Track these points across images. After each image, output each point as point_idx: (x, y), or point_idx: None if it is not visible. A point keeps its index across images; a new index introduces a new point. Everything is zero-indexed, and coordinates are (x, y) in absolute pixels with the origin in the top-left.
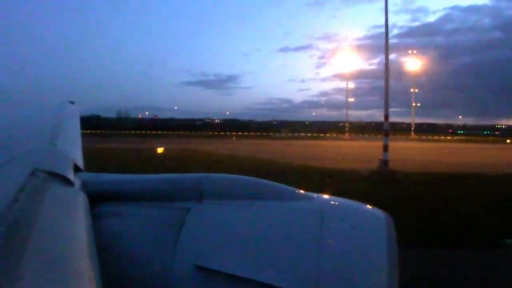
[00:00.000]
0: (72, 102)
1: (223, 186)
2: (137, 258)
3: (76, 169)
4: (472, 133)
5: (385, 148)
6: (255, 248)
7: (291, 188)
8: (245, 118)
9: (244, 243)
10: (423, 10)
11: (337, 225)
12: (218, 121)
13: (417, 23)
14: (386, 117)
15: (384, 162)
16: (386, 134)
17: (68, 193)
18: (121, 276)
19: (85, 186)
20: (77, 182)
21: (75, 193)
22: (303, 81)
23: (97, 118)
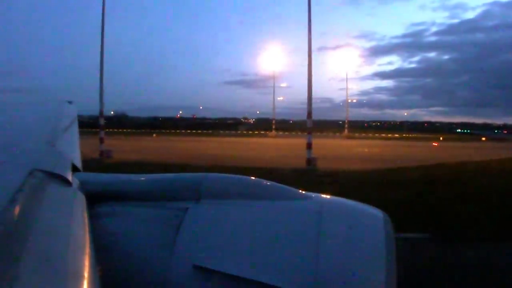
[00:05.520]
0: (70, 102)
1: (221, 185)
2: (135, 258)
3: (74, 169)
4: (476, 133)
5: (101, 140)
6: (253, 248)
7: (289, 188)
8: (285, 117)
9: (242, 242)
10: (461, 7)
11: (335, 224)
12: (253, 120)
13: (456, 20)
14: (101, 112)
15: (100, 152)
16: (101, 128)
17: (66, 193)
18: (119, 276)
19: (83, 186)
20: (75, 182)
21: (73, 193)
22: (342, 80)
23: (124, 116)
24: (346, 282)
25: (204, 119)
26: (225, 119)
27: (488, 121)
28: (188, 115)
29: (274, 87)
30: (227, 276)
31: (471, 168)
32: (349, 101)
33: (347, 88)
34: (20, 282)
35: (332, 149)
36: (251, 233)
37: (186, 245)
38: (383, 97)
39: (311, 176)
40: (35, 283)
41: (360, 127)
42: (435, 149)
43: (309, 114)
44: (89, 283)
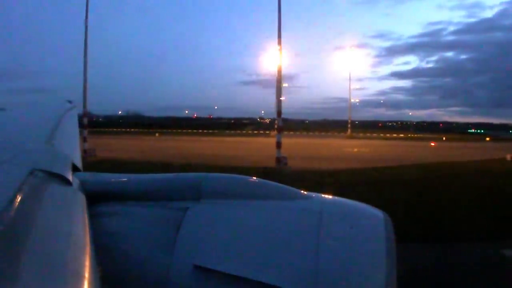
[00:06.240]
0: (70, 102)
1: (221, 185)
2: (135, 257)
3: (74, 168)
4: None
5: (84, 139)
6: (253, 247)
7: (289, 188)
8: (302, 117)
9: (242, 242)
10: (479, 6)
11: (336, 224)
12: (269, 120)
13: (473, 19)
14: (84, 113)
15: (84, 151)
16: (85, 127)
17: (66, 193)
18: (120, 276)
19: (83, 186)
20: (75, 182)
21: (73, 193)
22: (359, 80)
23: (137, 116)
24: (346, 282)
25: (220, 119)
26: (241, 119)
27: (506, 121)
28: (204, 115)
29: (276, 87)
30: (227, 276)
31: (429, 169)
32: (352, 101)
33: (349, 88)
34: (20, 282)
35: (321, 148)
36: (251, 233)
37: (186, 245)
38: (400, 97)
39: (270, 175)
40: (36, 282)
41: (372, 127)
42: (428, 150)
43: (279, 113)
44: (89, 283)
